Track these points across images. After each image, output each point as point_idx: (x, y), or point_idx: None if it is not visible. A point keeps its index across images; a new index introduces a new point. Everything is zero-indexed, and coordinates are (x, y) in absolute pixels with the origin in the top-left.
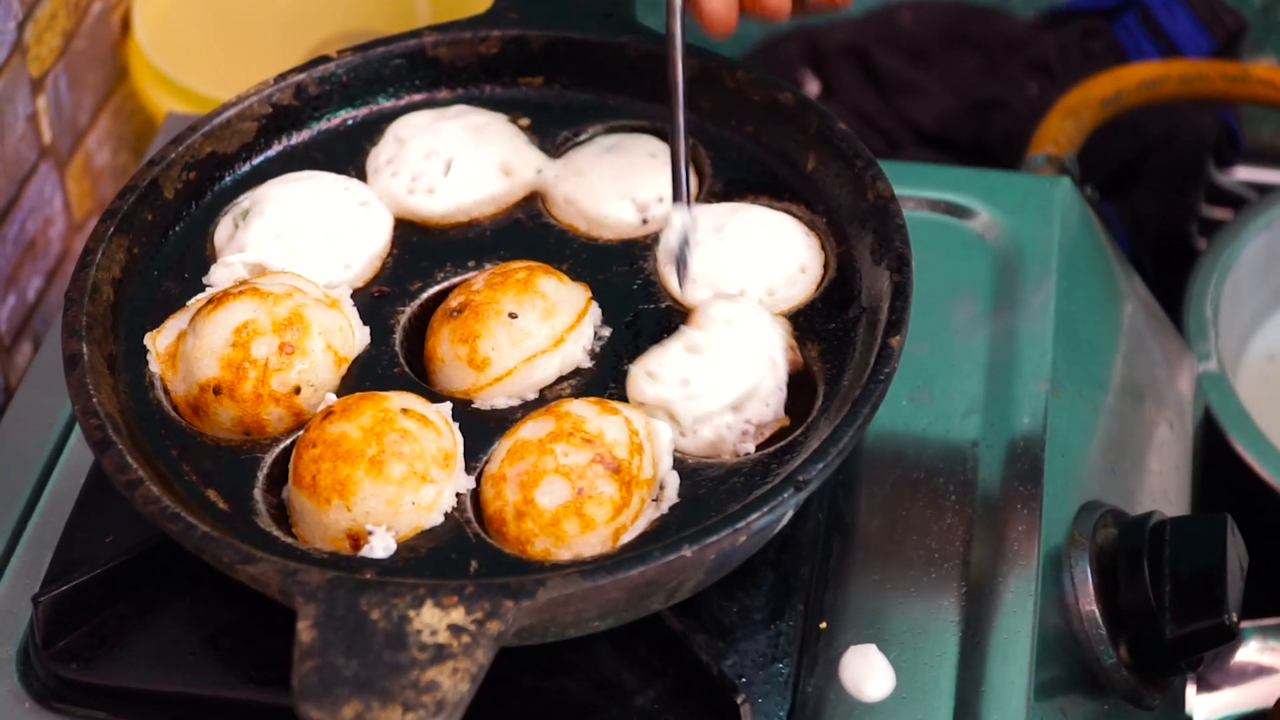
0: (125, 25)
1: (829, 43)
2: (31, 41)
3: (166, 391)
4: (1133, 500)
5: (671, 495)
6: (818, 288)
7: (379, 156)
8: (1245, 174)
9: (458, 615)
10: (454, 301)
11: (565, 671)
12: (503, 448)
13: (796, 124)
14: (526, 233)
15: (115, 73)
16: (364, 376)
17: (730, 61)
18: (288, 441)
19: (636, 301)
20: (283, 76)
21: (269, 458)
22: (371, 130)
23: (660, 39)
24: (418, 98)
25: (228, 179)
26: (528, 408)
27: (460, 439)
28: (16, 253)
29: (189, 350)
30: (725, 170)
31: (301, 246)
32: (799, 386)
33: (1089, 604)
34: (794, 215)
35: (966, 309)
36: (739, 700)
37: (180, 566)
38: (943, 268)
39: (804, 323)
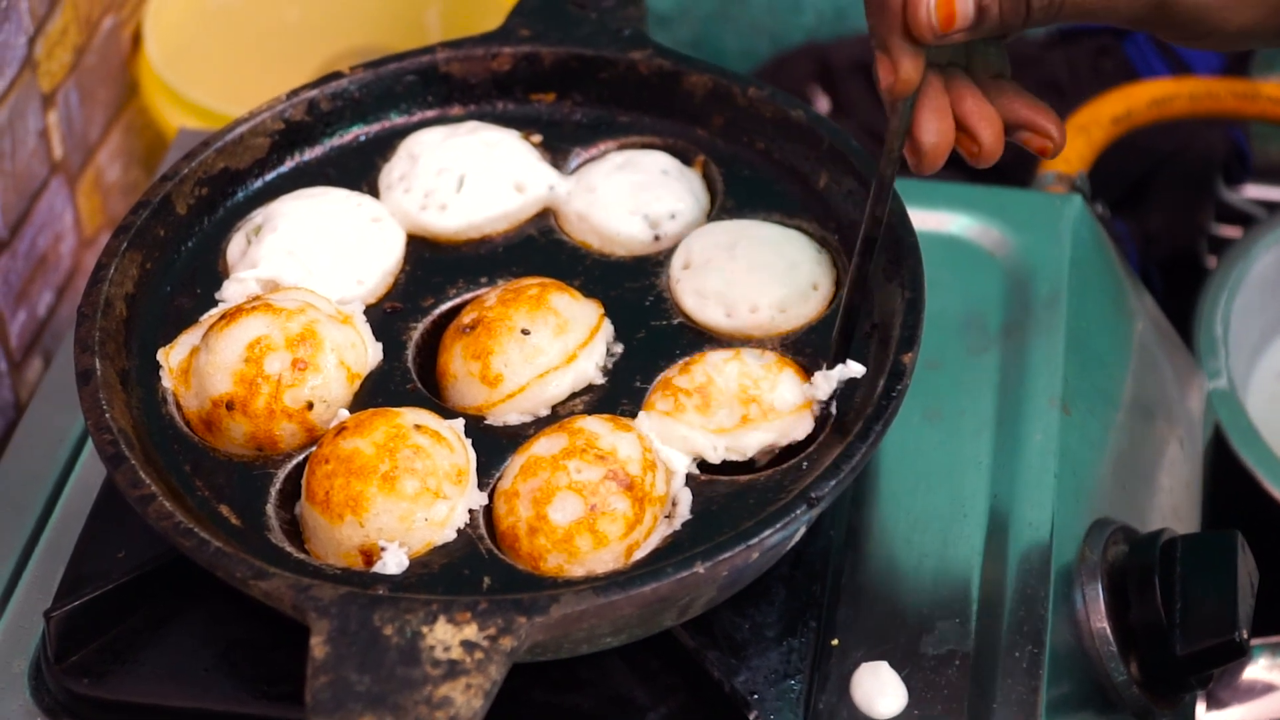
0: (136, 41)
1: (839, 60)
2: (42, 57)
3: (179, 407)
4: (1143, 517)
5: (684, 512)
6: (829, 305)
7: (391, 173)
8: (1255, 192)
9: (471, 631)
10: (466, 318)
11: (578, 688)
12: (515, 464)
13: (809, 141)
14: (539, 249)
15: (126, 88)
16: (376, 392)
17: (742, 78)
18: (300, 457)
19: (649, 318)
20: (295, 92)
21: (281, 473)
22: (384, 146)
23: (672, 56)
24: (430, 114)
25: (240, 195)
26: (540, 424)
27: (473, 455)
28: (27, 268)
29: (202, 366)
30: (737, 187)
31: (314, 262)
32: None
33: (1100, 621)
34: (806, 232)
35: (977, 326)
36: (751, 717)
37: (192, 582)
38: (954, 285)
39: (816, 339)
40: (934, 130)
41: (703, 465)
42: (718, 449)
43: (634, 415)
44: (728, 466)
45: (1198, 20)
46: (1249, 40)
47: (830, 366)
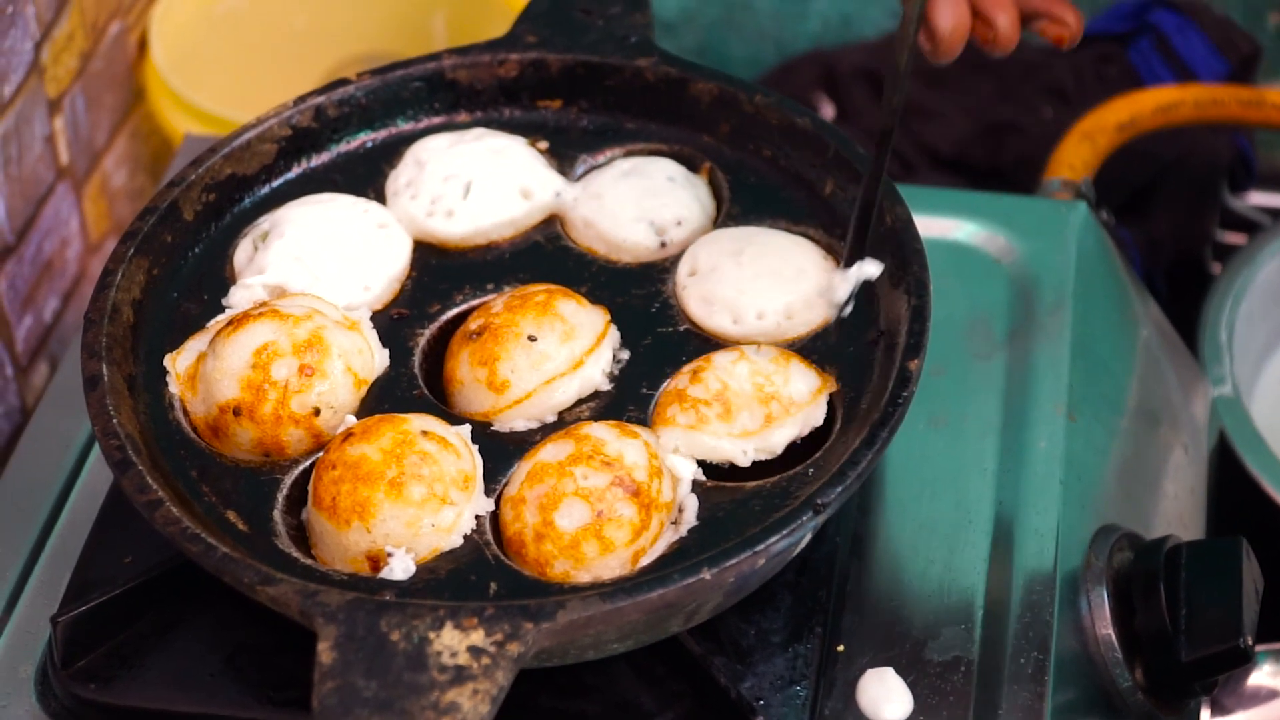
0: (142, 46)
1: (844, 66)
2: (49, 62)
3: (186, 413)
4: (1148, 524)
5: (690, 518)
6: (836, 311)
7: (398, 179)
8: (1259, 199)
9: (478, 637)
10: (473, 324)
11: (584, 693)
12: (522, 470)
13: (814, 148)
14: (545, 256)
15: (132, 94)
16: (383, 398)
17: (748, 85)
18: (307, 463)
19: (655, 324)
20: (302, 99)
21: (288, 479)
22: (391, 153)
23: (678, 63)
24: (437, 120)
25: (247, 201)
26: (547, 430)
27: (479, 461)
28: (33, 273)
29: (209, 371)
30: (743, 194)
31: (321, 268)
32: None
33: (1105, 627)
34: (812, 239)
35: (983, 333)
36: None
37: (199, 587)
38: (959, 292)
39: (823, 346)
40: (949, 15)
41: (709, 471)
42: (748, 453)
43: (641, 422)
44: (734, 472)
45: None
46: None
47: (847, 265)
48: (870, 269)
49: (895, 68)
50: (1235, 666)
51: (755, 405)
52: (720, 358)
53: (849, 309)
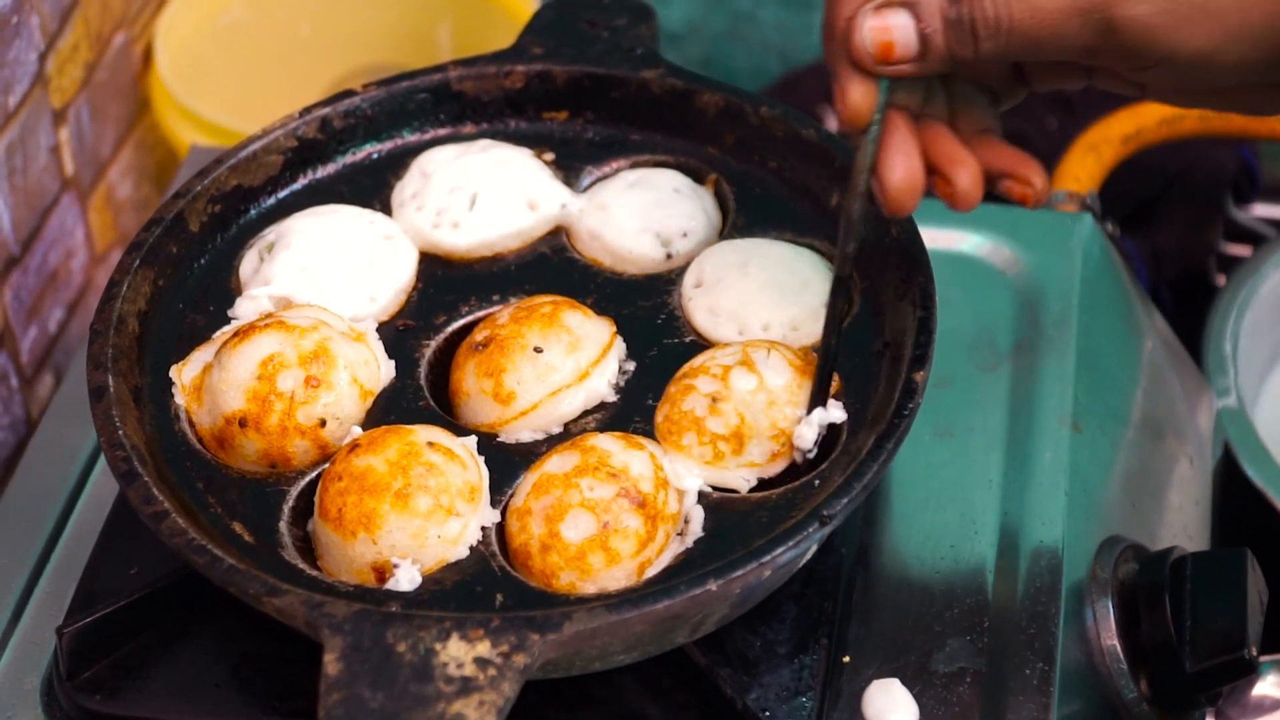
0: (147, 57)
1: None
2: (53, 73)
3: (191, 424)
4: (1153, 535)
5: (696, 529)
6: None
7: (404, 190)
8: (1264, 210)
9: (484, 648)
10: (479, 335)
11: (590, 705)
12: (528, 481)
13: (820, 159)
14: (551, 267)
15: (137, 105)
16: (389, 410)
17: (754, 97)
18: (313, 474)
19: (661, 336)
20: (307, 110)
21: (294, 490)
22: (396, 164)
23: (684, 74)
24: (442, 132)
25: (253, 212)
26: (552, 441)
27: (485, 472)
28: (38, 284)
29: (214, 383)
30: (749, 205)
31: (327, 280)
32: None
33: (1110, 638)
34: (818, 250)
35: (988, 344)
36: None
37: (205, 599)
38: (964, 303)
39: None
40: (900, 170)
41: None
42: (750, 480)
43: (647, 433)
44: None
45: (1148, 43)
46: (1205, 70)
47: (809, 411)
48: (835, 415)
49: (846, 216)
50: (1240, 677)
51: (766, 440)
52: (739, 383)
53: (813, 453)
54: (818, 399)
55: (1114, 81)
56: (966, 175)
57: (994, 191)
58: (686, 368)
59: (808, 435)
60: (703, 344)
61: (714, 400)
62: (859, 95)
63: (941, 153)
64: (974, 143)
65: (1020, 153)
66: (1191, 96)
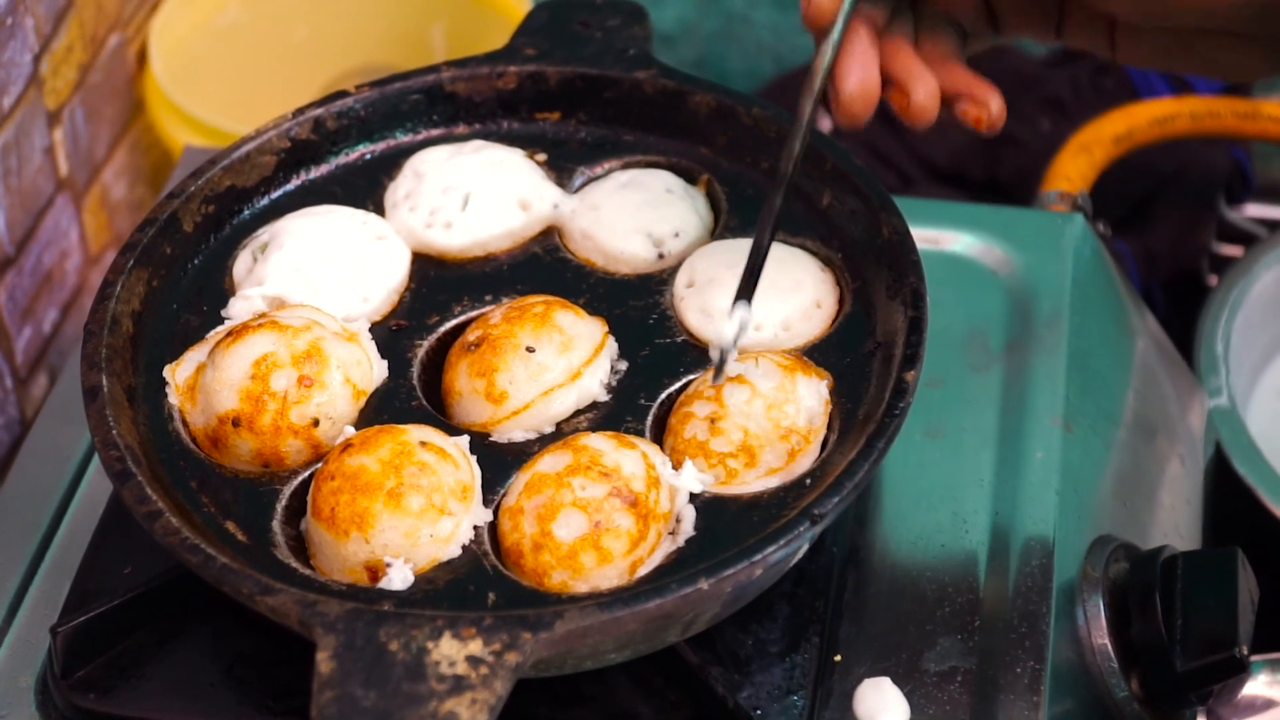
0: (141, 59)
1: None
2: (48, 74)
3: (185, 424)
4: (1145, 534)
5: (688, 528)
6: (833, 323)
7: (397, 191)
8: (1256, 211)
9: (476, 647)
10: (471, 335)
11: (582, 703)
12: (520, 481)
13: (812, 160)
14: (543, 267)
15: (132, 106)
16: (382, 409)
17: (746, 98)
18: (306, 474)
19: (653, 336)
20: (301, 111)
21: (287, 490)
22: (389, 165)
23: (677, 75)
24: (435, 133)
25: (246, 213)
26: (545, 441)
27: (478, 472)
28: (33, 285)
29: (208, 383)
30: (741, 206)
31: (320, 280)
32: None
33: (1101, 637)
34: (809, 250)
35: (979, 344)
36: None
37: (198, 598)
38: (956, 303)
39: (819, 357)
40: (855, 78)
41: None
42: (770, 485)
43: (639, 433)
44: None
45: None
46: (1212, 18)
47: (733, 305)
48: (748, 313)
49: (798, 115)
50: (1231, 676)
51: (777, 442)
52: (732, 398)
53: (733, 352)
54: (742, 293)
55: (1084, 32)
56: (923, 89)
57: (950, 115)
58: (683, 396)
59: (727, 332)
60: (695, 344)
61: (713, 421)
62: None
63: (901, 66)
64: (935, 64)
65: (979, 77)
66: (1171, 52)
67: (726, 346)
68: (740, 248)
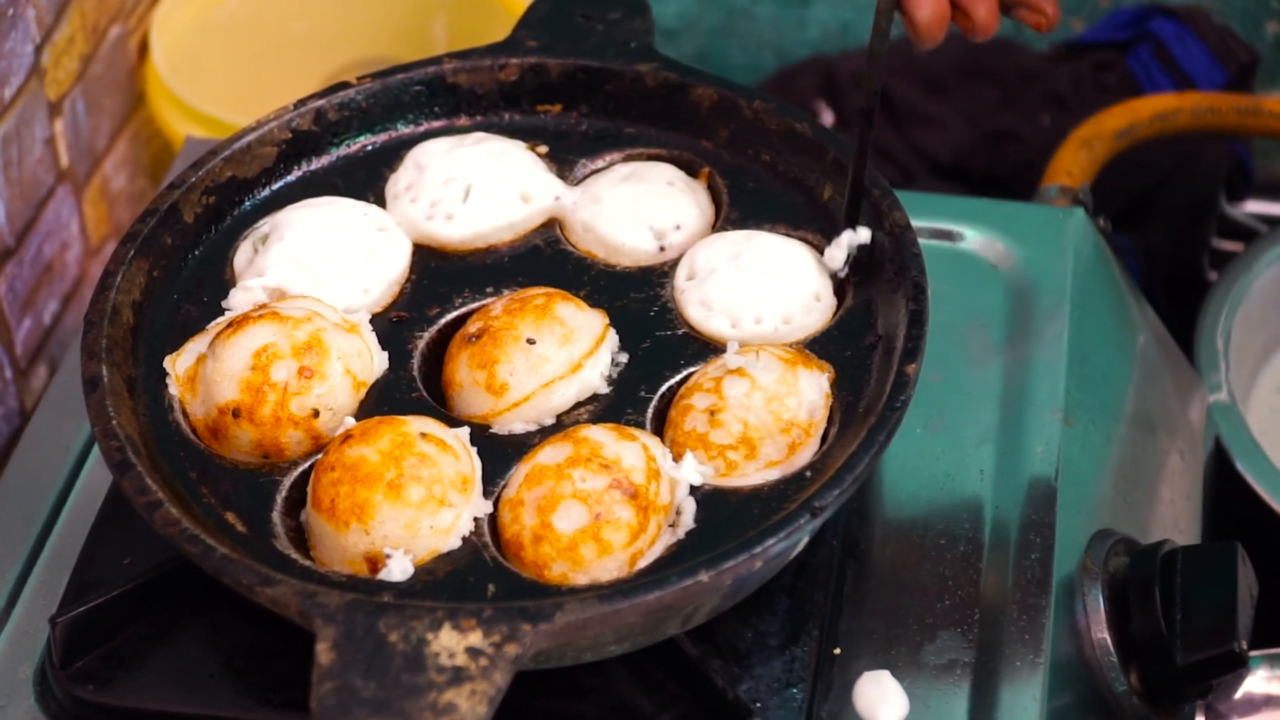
0: (143, 50)
1: (843, 73)
2: (49, 65)
3: (185, 414)
4: (1144, 529)
5: (688, 521)
6: (834, 316)
7: (398, 182)
8: (1256, 207)
9: (475, 638)
10: (472, 327)
11: (581, 695)
12: (520, 472)
13: (813, 153)
14: (544, 259)
15: (133, 97)
16: (382, 401)
17: (748, 91)
18: (306, 465)
19: (653, 328)
20: (303, 102)
21: (287, 481)
22: (391, 156)
23: (678, 68)
24: (437, 124)
25: (247, 204)
26: (545, 433)
27: (478, 463)
28: (33, 276)
29: (208, 373)
30: (742, 199)
31: (321, 271)
32: None
33: (1101, 631)
34: (810, 243)
35: (980, 338)
36: None
37: (198, 588)
38: (957, 297)
39: (820, 350)
40: (928, 7)
41: None
42: (770, 478)
43: (639, 424)
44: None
45: None
46: None
47: (840, 234)
48: (863, 235)
49: (871, 53)
50: (1230, 671)
51: (778, 435)
52: (732, 390)
53: (845, 270)
54: (848, 222)
55: None
56: (983, 8)
57: (1011, 17)
58: (683, 389)
59: (837, 256)
60: (695, 336)
61: (712, 414)
62: None
63: None
64: None
65: None
66: None
67: (835, 269)
68: (741, 240)
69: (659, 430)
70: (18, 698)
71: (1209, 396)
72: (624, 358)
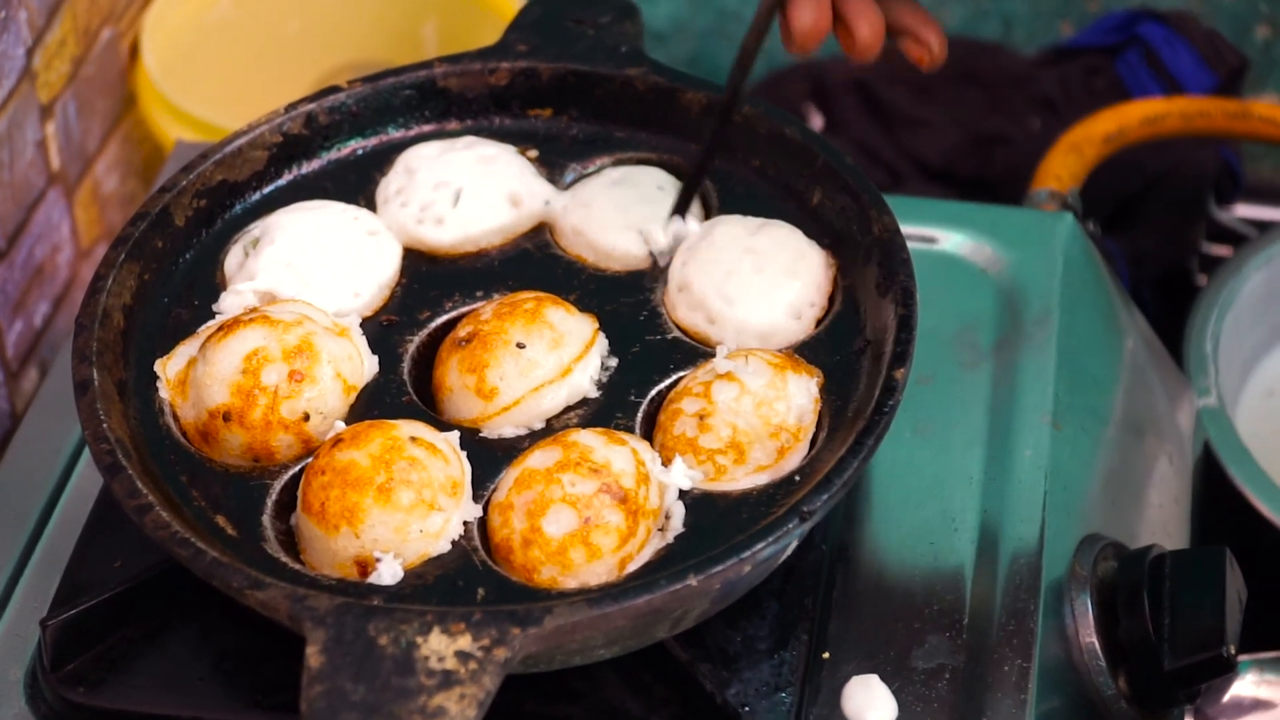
0: (134, 53)
1: (833, 77)
2: (40, 68)
3: (176, 418)
4: (1133, 533)
5: (677, 525)
6: (823, 319)
7: (389, 186)
8: (1245, 211)
9: (465, 642)
10: (462, 331)
11: (571, 699)
12: (510, 476)
13: (802, 158)
14: (534, 263)
15: (124, 100)
16: (372, 405)
17: None
18: (296, 469)
19: (643, 333)
20: (293, 106)
21: (278, 484)
22: (381, 160)
23: (669, 72)
24: (427, 128)
25: (238, 207)
26: (535, 437)
27: (468, 467)
28: (24, 278)
29: (199, 377)
30: (731, 203)
31: (311, 275)
32: None
33: (1089, 636)
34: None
35: (969, 343)
36: None
37: (188, 592)
38: (946, 302)
39: (809, 355)
40: (808, 14)
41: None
42: (758, 483)
43: (629, 429)
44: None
45: None
46: None
47: (669, 219)
48: (691, 227)
49: (741, 50)
50: (1218, 675)
51: (766, 440)
52: (721, 394)
53: (665, 259)
54: (679, 207)
55: None
56: (867, 27)
57: (896, 47)
58: (673, 393)
59: (659, 237)
60: (685, 341)
61: (701, 418)
62: None
63: (849, 4)
64: (885, 2)
65: (926, 15)
66: None
67: (657, 250)
68: (754, 228)
69: (648, 434)
70: (8, 700)
71: (1198, 401)
72: (614, 362)
